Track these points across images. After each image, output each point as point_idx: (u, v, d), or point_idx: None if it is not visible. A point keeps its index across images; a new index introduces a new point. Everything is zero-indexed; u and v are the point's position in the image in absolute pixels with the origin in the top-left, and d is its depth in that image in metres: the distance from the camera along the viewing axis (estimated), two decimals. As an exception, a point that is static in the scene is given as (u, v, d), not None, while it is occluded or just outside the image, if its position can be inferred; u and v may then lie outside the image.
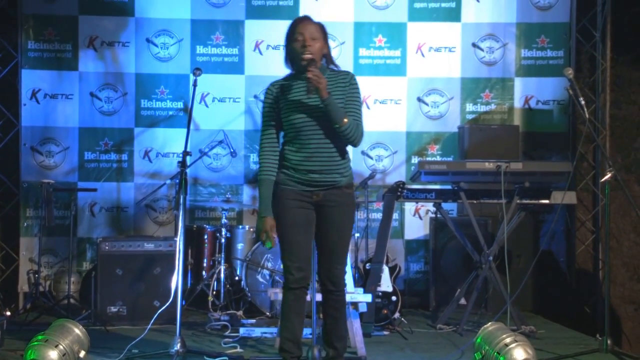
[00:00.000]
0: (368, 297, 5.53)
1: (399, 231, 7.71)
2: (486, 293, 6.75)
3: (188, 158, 5.20)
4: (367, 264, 6.38)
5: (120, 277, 6.32)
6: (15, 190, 7.53)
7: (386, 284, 6.19)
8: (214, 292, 6.69)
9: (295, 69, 4.37)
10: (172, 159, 7.60)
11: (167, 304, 5.25)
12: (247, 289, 6.66)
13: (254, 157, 7.68)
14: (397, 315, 6.27)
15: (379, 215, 6.95)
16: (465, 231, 6.43)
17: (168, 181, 7.46)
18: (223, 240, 6.77)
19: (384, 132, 7.69)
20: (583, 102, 5.26)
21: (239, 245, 7.07)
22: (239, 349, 5.44)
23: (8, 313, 6.16)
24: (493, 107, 7.79)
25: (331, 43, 4.44)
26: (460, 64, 7.78)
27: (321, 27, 4.34)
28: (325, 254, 4.35)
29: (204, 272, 7.01)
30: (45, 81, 7.57)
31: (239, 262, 6.93)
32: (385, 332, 6.12)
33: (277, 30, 7.58)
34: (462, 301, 6.63)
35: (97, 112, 7.63)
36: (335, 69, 4.41)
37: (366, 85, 7.41)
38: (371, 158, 7.76)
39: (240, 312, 6.49)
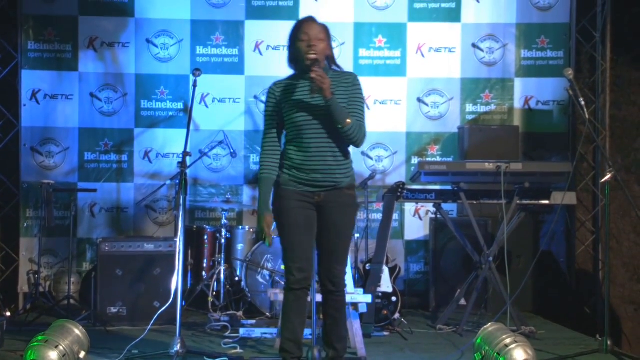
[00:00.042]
0: (368, 298, 5.53)
1: (399, 232, 7.71)
2: (486, 294, 6.74)
3: (188, 159, 5.20)
4: (367, 265, 6.38)
5: (120, 278, 6.32)
6: (15, 191, 7.53)
7: (386, 285, 6.19)
8: (214, 293, 6.69)
9: (298, 69, 4.37)
10: (172, 160, 7.60)
11: (167, 304, 5.24)
12: (247, 289, 6.66)
13: (254, 158, 7.68)
14: (397, 315, 6.27)
15: (379, 216, 6.95)
16: (465, 232, 6.43)
17: (168, 182, 7.46)
18: (223, 240, 6.77)
19: (384, 133, 7.69)
20: (583, 103, 5.26)
21: (239, 246, 7.07)
22: (239, 350, 5.44)
23: (8, 313, 6.18)
24: (493, 107, 7.80)
25: (332, 44, 4.45)
26: (460, 64, 7.78)
27: (325, 29, 4.35)
28: (325, 254, 4.35)
29: (204, 273, 7.00)
30: (45, 82, 7.58)
31: (239, 262, 6.93)
32: (385, 333, 6.12)
33: (277, 30, 7.61)
34: (462, 302, 6.63)
35: (97, 113, 7.63)
36: (338, 70, 4.42)
37: (366, 85, 7.24)
38: (371, 159, 7.76)
39: (240, 313, 6.49)
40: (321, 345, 4.45)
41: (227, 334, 5.95)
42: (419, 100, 7.77)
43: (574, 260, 7.69)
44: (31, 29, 7.56)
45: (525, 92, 7.79)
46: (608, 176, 5.30)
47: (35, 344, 4.53)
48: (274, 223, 4.39)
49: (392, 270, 6.34)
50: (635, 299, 7.83)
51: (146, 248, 6.41)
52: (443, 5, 7.75)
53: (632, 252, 7.88)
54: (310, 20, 4.36)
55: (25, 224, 7.53)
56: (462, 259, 6.99)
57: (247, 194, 7.73)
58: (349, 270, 5.22)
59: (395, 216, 7.30)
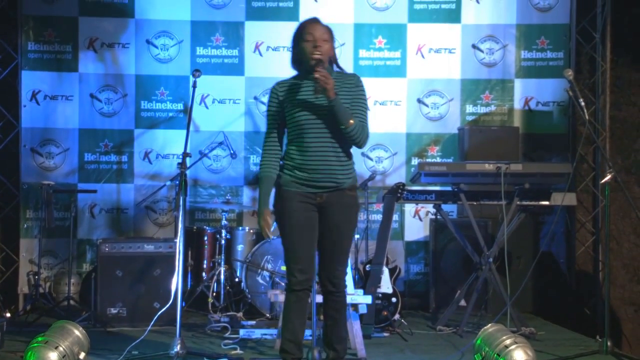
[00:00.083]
0: (368, 299, 5.53)
1: (399, 233, 7.71)
2: (486, 294, 6.74)
3: (188, 159, 5.20)
4: (367, 266, 6.38)
5: (120, 279, 6.32)
6: (15, 192, 7.53)
7: (386, 286, 6.19)
8: (214, 294, 6.68)
9: (302, 70, 4.37)
10: (172, 161, 7.61)
11: (167, 305, 5.24)
12: (247, 290, 6.66)
13: (254, 159, 7.68)
14: (397, 316, 6.27)
15: (379, 217, 6.95)
16: (465, 232, 6.43)
17: (168, 182, 7.46)
18: (223, 241, 6.77)
19: (384, 134, 7.68)
20: (583, 104, 5.26)
21: (239, 247, 7.07)
22: (239, 351, 5.44)
23: (8, 314, 6.18)
24: (493, 108, 7.80)
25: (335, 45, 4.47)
26: (460, 65, 7.78)
27: (329, 30, 4.37)
28: (326, 255, 4.35)
29: (204, 274, 7.00)
30: (45, 82, 7.58)
31: (239, 263, 6.93)
32: (385, 334, 6.12)
33: (277, 31, 7.61)
34: (462, 303, 6.63)
35: (97, 114, 7.63)
36: (341, 71, 4.43)
37: (366, 86, 7.27)
38: (371, 159, 7.76)
39: (240, 314, 6.48)
40: (321, 346, 4.45)
41: (227, 334, 5.95)
42: (419, 101, 7.77)
43: (574, 261, 7.69)
44: (31, 30, 7.56)
45: (525, 93, 7.79)
46: (608, 177, 5.31)
47: (35, 344, 4.54)
48: (275, 223, 4.39)
49: (392, 271, 6.34)
50: (635, 300, 7.83)
51: (146, 249, 6.41)
52: (443, 6, 7.75)
53: (632, 253, 7.88)
54: (315, 21, 4.37)
55: (25, 225, 7.53)
56: (462, 259, 6.98)
57: (247, 195, 7.73)
58: (348, 271, 5.22)
59: (395, 217, 7.30)
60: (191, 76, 5.47)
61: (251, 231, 7.12)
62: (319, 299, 4.55)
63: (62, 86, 7.59)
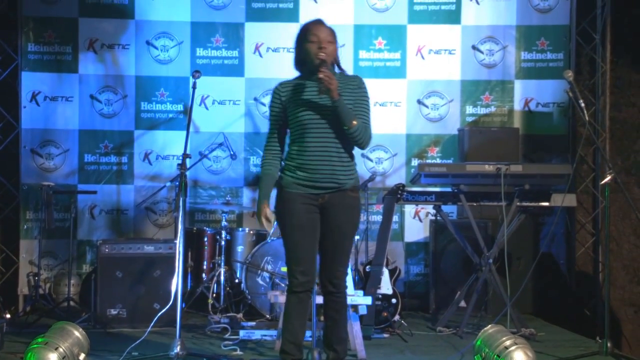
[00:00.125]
0: (368, 300, 5.53)
1: (398, 234, 7.71)
2: (486, 295, 6.74)
3: (188, 160, 5.19)
4: (367, 267, 6.38)
5: (120, 280, 6.32)
6: (15, 193, 7.53)
7: (386, 287, 6.19)
8: (214, 295, 6.68)
9: (305, 71, 4.37)
10: (172, 162, 7.61)
11: (167, 306, 5.24)
12: (247, 291, 6.66)
13: (253, 160, 7.68)
14: (397, 317, 6.27)
15: (379, 218, 6.95)
16: (465, 234, 6.43)
17: (168, 184, 7.45)
18: (223, 242, 6.77)
19: (384, 135, 7.67)
20: (583, 105, 5.26)
21: (239, 248, 7.06)
22: (238, 352, 5.44)
23: (8, 315, 6.18)
24: (493, 109, 7.80)
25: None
26: (460, 66, 7.78)
27: (333, 32, 4.37)
28: (328, 255, 4.35)
29: (203, 275, 7.00)
30: (45, 83, 7.57)
31: (238, 264, 6.92)
32: (385, 335, 6.11)
33: (277, 32, 7.61)
34: (462, 304, 6.62)
35: (97, 115, 7.63)
36: (344, 72, 4.43)
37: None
38: (371, 160, 7.76)
39: (240, 315, 6.48)
40: (321, 347, 4.46)
41: (227, 336, 5.95)
42: (419, 102, 7.77)
43: (573, 262, 7.69)
44: (31, 31, 7.56)
45: (525, 94, 7.79)
46: (608, 178, 5.30)
47: (35, 346, 4.53)
48: (276, 223, 4.39)
49: (392, 272, 6.34)
50: (635, 301, 7.83)
51: (146, 250, 6.41)
52: (443, 7, 7.75)
53: (632, 255, 7.88)
54: (319, 22, 4.38)
55: (25, 226, 7.53)
56: (462, 260, 6.98)
57: (247, 196, 7.73)
58: (349, 272, 5.21)
59: (395, 218, 7.30)
60: (191, 77, 5.47)
61: (251, 232, 7.12)
62: (319, 300, 4.55)
63: (62, 87, 7.59)
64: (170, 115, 7.68)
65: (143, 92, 7.65)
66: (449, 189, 6.44)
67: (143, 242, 6.52)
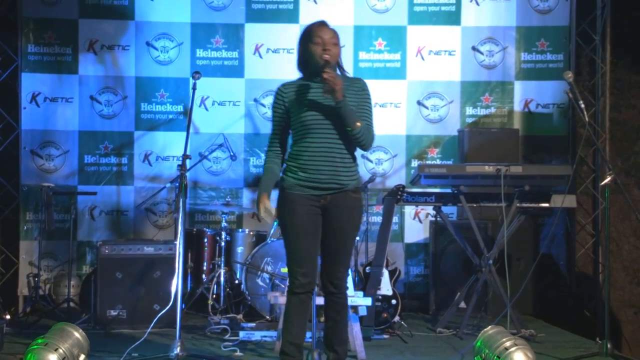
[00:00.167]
0: (368, 301, 5.53)
1: (398, 235, 7.71)
2: (486, 296, 6.74)
3: (188, 161, 5.19)
4: (367, 268, 6.38)
5: (120, 281, 6.32)
6: (15, 194, 7.53)
7: (386, 288, 6.19)
8: (214, 296, 6.68)
9: (309, 72, 4.36)
10: (172, 163, 7.61)
11: (167, 307, 5.24)
12: (246, 292, 6.65)
13: (253, 161, 7.68)
14: (397, 318, 6.27)
15: (379, 219, 6.95)
16: (465, 234, 6.43)
17: (168, 184, 7.45)
18: (223, 243, 6.77)
19: (384, 136, 7.66)
20: (583, 106, 5.26)
21: (239, 249, 7.06)
22: (238, 353, 5.44)
23: (8, 316, 6.19)
24: (493, 110, 7.80)
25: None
26: (460, 67, 7.78)
27: (337, 34, 4.38)
28: (329, 256, 4.35)
29: (203, 276, 7.00)
30: (45, 84, 7.57)
31: (238, 265, 6.92)
32: (385, 336, 6.11)
33: (277, 33, 7.61)
34: (462, 305, 6.62)
35: (97, 116, 7.63)
36: (346, 74, 4.44)
37: (366, 88, 7.41)
38: (371, 161, 7.76)
39: (240, 316, 6.48)
40: (321, 348, 4.45)
41: (226, 337, 5.95)
42: (419, 103, 7.78)
43: (573, 263, 7.69)
44: (31, 32, 7.56)
45: (525, 95, 7.79)
46: (608, 179, 5.30)
47: (35, 347, 4.53)
48: (276, 223, 4.39)
49: (392, 273, 6.34)
50: (635, 302, 7.83)
51: (146, 251, 6.41)
52: (443, 8, 7.76)
53: (632, 256, 7.88)
54: (324, 24, 4.37)
55: (25, 227, 7.53)
56: (462, 261, 6.98)
57: (247, 197, 7.73)
58: (349, 273, 5.21)
59: (395, 219, 7.29)
60: (191, 78, 5.47)
61: (251, 233, 7.12)
62: (320, 301, 4.55)
63: (62, 88, 7.59)
64: (170, 116, 7.68)
65: (143, 93, 7.65)
66: (449, 190, 6.44)
67: (143, 243, 6.52)
